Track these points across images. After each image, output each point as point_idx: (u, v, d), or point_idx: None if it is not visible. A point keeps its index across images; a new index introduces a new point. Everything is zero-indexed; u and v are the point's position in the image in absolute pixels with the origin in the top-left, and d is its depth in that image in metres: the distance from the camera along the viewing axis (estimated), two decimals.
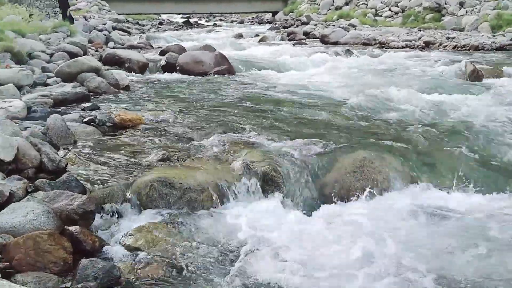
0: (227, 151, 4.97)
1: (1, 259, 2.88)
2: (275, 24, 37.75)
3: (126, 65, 12.55)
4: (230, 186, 4.14)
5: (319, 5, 36.83)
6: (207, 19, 54.54)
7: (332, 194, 4.29)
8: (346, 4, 34.33)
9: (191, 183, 4.01)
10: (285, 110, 7.29)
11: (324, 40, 21.43)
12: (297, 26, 31.79)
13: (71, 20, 19.42)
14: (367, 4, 32.45)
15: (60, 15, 27.43)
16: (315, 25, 29.61)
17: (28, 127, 5.22)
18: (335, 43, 20.39)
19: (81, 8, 31.41)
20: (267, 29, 31.68)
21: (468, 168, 4.80)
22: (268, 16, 46.88)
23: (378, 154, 4.86)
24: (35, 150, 4.16)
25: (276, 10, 44.64)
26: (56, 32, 15.48)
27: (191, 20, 49.10)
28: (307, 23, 31.42)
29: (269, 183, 4.26)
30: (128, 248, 3.21)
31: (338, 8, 34.19)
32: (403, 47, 18.53)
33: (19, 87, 7.87)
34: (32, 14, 18.42)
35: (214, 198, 4.01)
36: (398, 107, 7.09)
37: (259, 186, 4.20)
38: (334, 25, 28.05)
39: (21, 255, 2.82)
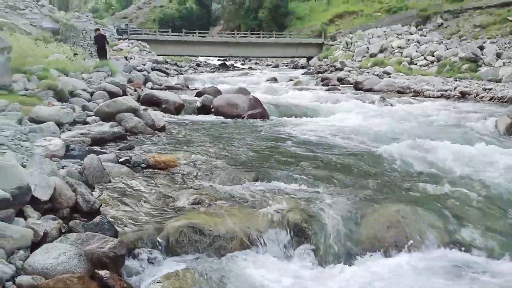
0: (258, 198, 4.96)
1: None
2: (309, 69, 38.22)
3: (163, 105, 12.88)
4: (260, 235, 4.10)
5: (353, 52, 37.22)
6: (243, 62, 55.75)
7: (365, 249, 4.18)
8: (381, 51, 34.57)
9: (221, 230, 3.99)
10: (317, 157, 7.26)
11: (358, 86, 21.49)
12: (331, 71, 32.10)
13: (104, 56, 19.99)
14: (402, 52, 32.60)
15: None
16: (349, 71, 29.82)
17: (65, 166, 5.34)
18: (369, 90, 20.42)
19: (123, 49, 32.70)
20: (301, 74, 32.10)
21: (503, 232, 4.62)
22: (303, 61, 47.60)
23: (412, 208, 4.75)
24: (71, 190, 4.25)
25: (310, 55, 45.35)
26: (98, 71, 16.07)
27: (227, 63, 50.24)
28: (341, 69, 31.70)
29: (299, 234, 4.20)
30: None
31: (372, 55, 34.44)
32: (438, 97, 18.37)
33: (60, 125, 8.14)
34: (76, 53, 19.26)
35: (243, 247, 3.97)
36: (432, 159, 6.95)
37: (289, 237, 4.14)
38: (368, 72, 28.21)
39: None
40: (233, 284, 3.55)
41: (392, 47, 34.44)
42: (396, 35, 37.74)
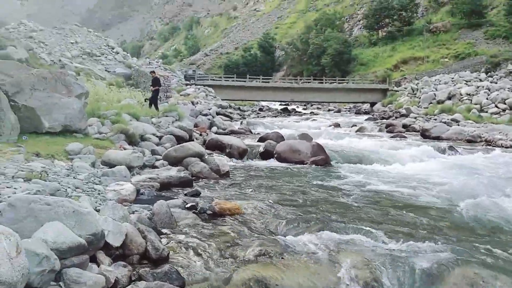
0: (325, 252, 4.82)
1: None
2: (373, 114, 37.78)
3: (227, 150, 13.11)
4: None
5: (420, 98, 36.48)
6: (305, 107, 56.12)
7: None
8: (449, 98, 33.66)
9: (287, 285, 3.90)
10: (384, 208, 7.03)
11: (424, 134, 20.89)
12: (396, 118, 31.52)
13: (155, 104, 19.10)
14: (471, 100, 31.56)
15: (169, 99, 29.77)
16: (415, 118, 29.15)
17: (136, 211, 5.50)
18: (437, 138, 19.77)
19: (190, 94, 33.98)
20: (365, 120, 31.77)
21: None
22: (366, 106, 47.21)
23: (490, 272, 4.42)
24: (141, 237, 4.34)
25: (374, 101, 44.95)
26: (167, 116, 16.70)
27: (289, 107, 50.76)
28: (406, 116, 31.07)
29: None
30: None
31: (440, 102, 33.57)
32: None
33: (130, 168, 8.47)
34: (147, 98, 20.20)
35: None
36: (507, 219, 6.52)
37: None
38: (435, 119, 27.43)
39: None
40: None
41: (461, 94, 33.45)
42: (464, 81, 36.68)
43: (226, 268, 4.24)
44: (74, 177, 6.86)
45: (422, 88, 38.66)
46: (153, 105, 18.91)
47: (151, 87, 20.15)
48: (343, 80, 52.51)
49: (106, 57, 42.91)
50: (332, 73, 60.86)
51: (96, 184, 6.80)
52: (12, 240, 2.87)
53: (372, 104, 45.03)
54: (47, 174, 6.22)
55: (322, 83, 49.29)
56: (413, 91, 39.72)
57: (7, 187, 5.13)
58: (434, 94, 35.43)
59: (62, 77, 11.70)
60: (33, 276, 2.97)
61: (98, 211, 4.79)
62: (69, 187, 5.93)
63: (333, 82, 49.44)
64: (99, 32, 60.83)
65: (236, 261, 4.44)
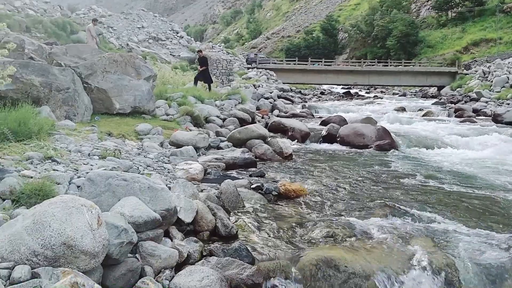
0: (394, 236, 4.71)
1: None
2: (440, 99, 36.27)
3: (289, 133, 13.08)
4: (398, 277, 3.86)
5: (491, 81, 34.58)
6: (368, 91, 54.81)
7: None
8: None
9: (356, 268, 3.84)
10: (454, 193, 6.76)
11: (497, 119, 19.79)
12: (465, 102, 30.10)
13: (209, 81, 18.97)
14: None
15: (231, 82, 30.04)
16: (486, 102, 27.69)
17: (204, 190, 5.62)
18: (510, 124, 18.67)
19: (251, 77, 34.12)
20: (432, 104, 30.59)
21: None
22: (433, 90, 45.43)
23: None
24: (211, 214, 4.44)
25: (442, 84, 43.14)
26: (230, 99, 16.89)
27: (352, 91, 49.77)
28: (477, 100, 29.58)
29: (443, 280, 3.87)
30: None
31: None
32: None
33: (196, 149, 8.66)
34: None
35: (378, 287, 3.77)
36: None
37: (431, 282, 3.84)
38: (508, 104, 25.92)
39: None
40: None
41: None
42: None
43: (294, 248, 4.24)
44: (144, 156, 7.11)
45: (494, 71, 36.55)
46: (205, 82, 18.89)
47: (199, 66, 19.62)
48: (409, 62, 50.65)
49: (171, 41, 43.92)
50: (397, 56, 58.95)
51: (166, 163, 7.01)
52: (93, 212, 3.01)
53: (440, 88, 43.24)
54: (120, 153, 6.49)
55: (386, 65, 47.87)
56: (484, 75, 37.68)
57: (84, 164, 5.39)
58: (507, 77, 33.43)
59: (131, 60, 12.10)
60: (113, 247, 3.11)
61: (169, 188, 4.93)
62: (140, 165, 6.15)
63: (399, 65, 47.87)
64: (164, 17, 62.25)
65: (304, 242, 4.43)
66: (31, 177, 4.33)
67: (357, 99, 40.75)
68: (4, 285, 2.54)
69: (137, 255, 3.42)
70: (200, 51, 21.01)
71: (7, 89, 8.23)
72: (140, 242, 3.47)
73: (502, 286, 3.88)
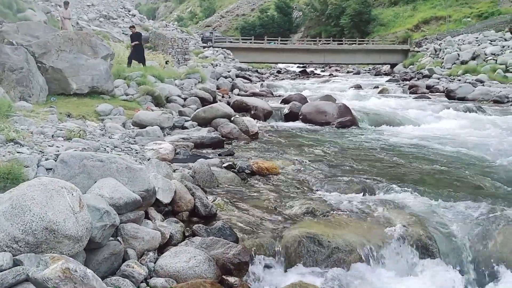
0: (370, 210, 4.78)
1: None
2: (394, 76, 37.05)
3: (252, 112, 12.99)
4: (380, 250, 3.92)
5: (443, 58, 35.63)
6: (323, 69, 55.33)
7: (497, 271, 3.83)
8: (473, 58, 32.80)
9: (339, 242, 3.86)
10: (418, 167, 6.94)
11: (449, 95, 20.45)
12: (418, 79, 30.87)
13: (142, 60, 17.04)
14: (496, 60, 30.71)
15: (188, 61, 29.51)
16: (438, 79, 28.52)
17: (176, 169, 5.48)
18: (462, 99, 19.33)
19: (208, 56, 33.63)
20: (386, 81, 31.19)
21: None
22: (386, 68, 46.35)
23: None
24: (190, 194, 4.33)
25: (395, 62, 44.06)
26: (189, 78, 16.56)
27: (308, 70, 50.06)
28: (429, 77, 30.43)
29: (423, 251, 3.95)
30: None
31: (464, 62, 32.76)
32: None
33: (161, 129, 8.44)
34: (168, 61, 20.04)
35: (363, 261, 3.81)
36: None
37: (412, 253, 3.92)
38: (459, 80, 26.81)
39: None
40: None
41: (485, 54, 32.55)
42: (489, 41, 35.62)
43: (276, 225, 4.22)
44: (109, 137, 6.86)
45: (445, 48, 37.66)
46: (139, 61, 17.06)
47: (131, 43, 17.81)
48: (363, 41, 51.37)
49: (123, 19, 42.50)
50: (351, 35, 59.57)
51: (132, 143, 6.79)
52: (74, 195, 2.85)
53: (393, 65, 44.14)
54: (85, 134, 6.23)
55: (341, 44, 48.34)
56: (436, 52, 38.75)
57: (49, 146, 5.13)
58: (458, 54, 34.53)
59: (87, 38, 11.59)
60: (95, 231, 2.96)
61: None
62: (107, 146, 5.92)
63: (353, 43, 48.44)
64: None
65: (285, 219, 4.42)
66: None
67: (313, 77, 41.03)
68: None
69: (118, 238, 3.29)
70: (132, 26, 19.10)
71: None
72: (121, 225, 3.33)
73: (476, 253, 4.00)
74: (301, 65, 52.75)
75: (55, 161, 4.20)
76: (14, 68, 9.04)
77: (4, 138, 4.96)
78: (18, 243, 2.55)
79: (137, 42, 17.29)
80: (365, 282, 3.63)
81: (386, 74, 42.19)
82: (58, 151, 4.85)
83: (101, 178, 3.61)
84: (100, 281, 2.38)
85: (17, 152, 4.56)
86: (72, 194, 2.84)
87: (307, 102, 14.88)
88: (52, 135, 5.72)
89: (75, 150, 4.42)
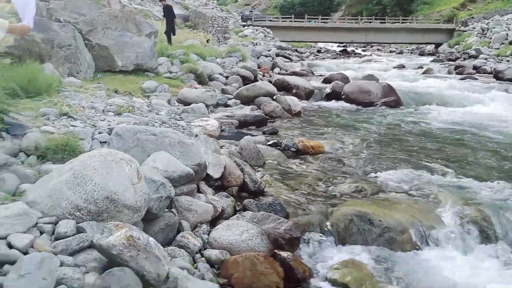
0: (419, 191, 4.68)
1: (219, 274, 2.99)
2: (438, 56, 35.89)
3: (294, 91, 12.88)
4: (431, 231, 3.84)
5: (490, 38, 34.20)
6: (364, 48, 54.16)
7: None
8: None
9: (390, 222, 3.81)
10: (468, 148, 6.76)
11: (498, 76, 19.62)
12: (464, 59, 29.78)
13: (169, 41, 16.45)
14: None
15: (228, 40, 29.44)
16: (486, 59, 27.43)
17: (223, 146, 5.51)
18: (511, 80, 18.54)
19: (248, 35, 33.45)
20: (430, 61, 30.27)
21: None
22: (430, 47, 44.91)
23: None
24: (239, 169, 4.35)
25: (439, 42, 42.61)
26: (230, 56, 16.54)
27: (348, 49, 49.14)
28: (475, 57, 29.31)
29: (479, 233, 3.85)
30: (335, 283, 3.12)
31: None
32: None
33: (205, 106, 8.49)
34: (209, 39, 20.05)
35: (413, 241, 3.74)
36: None
37: (466, 235, 3.82)
38: (508, 61, 25.73)
39: (240, 274, 2.89)
40: (407, 278, 3.36)
41: None
42: None
43: (324, 203, 4.20)
44: (156, 113, 6.96)
45: (493, 28, 36.07)
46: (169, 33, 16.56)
47: (163, 17, 17.23)
48: (406, 19, 49.84)
49: None
50: (393, 13, 57.88)
51: (178, 120, 6.87)
52: (133, 166, 2.90)
53: (437, 45, 42.69)
54: (134, 109, 6.33)
55: (384, 22, 47.06)
56: (483, 31, 37.20)
57: (101, 120, 5.25)
58: (507, 34, 33.06)
59: (132, 16, 11.71)
60: (152, 202, 3.02)
61: None
62: (156, 122, 6.00)
63: (396, 22, 47.05)
64: None
65: (333, 197, 4.39)
66: (52, 133, 4.19)
67: (354, 57, 40.27)
68: (50, 240, 2.45)
69: (173, 209, 3.34)
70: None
71: (11, 46, 7.95)
72: (176, 197, 3.38)
73: None
74: (342, 44, 51.82)
75: (109, 134, 4.30)
76: (62, 45, 9.24)
77: (58, 112, 5.09)
78: (81, 211, 2.63)
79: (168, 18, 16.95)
80: (417, 263, 3.57)
81: (430, 54, 40.92)
82: (110, 125, 4.95)
83: (154, 151, 3.66)
84: (161, 249, 2.43)
85: (71, 126, 4.69)
86: (131, 166, 2.89)
87: (349, 81, 14.63)
88: (103, 110, 5.84)
89: (127, 124, 4.50)
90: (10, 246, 2.31)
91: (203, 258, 3.06)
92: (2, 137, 3.93)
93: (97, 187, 2.65)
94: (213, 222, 3.56)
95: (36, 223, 2.52)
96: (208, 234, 3.32)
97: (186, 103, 8.44)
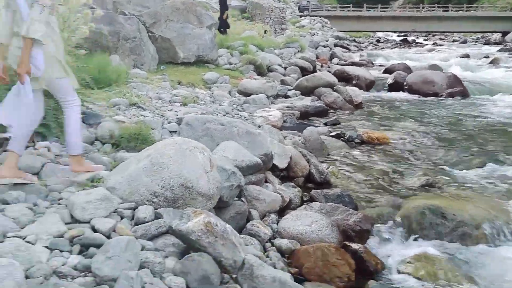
0: (493, 185, 4.48)
1: (289, 263, 2.99)
2: (505, 45, 34.07)
3: (354, 81, 12.63)
4: (507, 226, 3.66)
5: None
6: (426, 38, 52.25)
7: None
8: None
9: (465, 216, 3.66)
10: None
11: None
12: None
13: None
14: None
15: (285, 31, 29.31)
16: None
17: (286, 137, 5.51)
18: None
19: (305, 25, 33.18)
20: (497, 50, 28.80)
21: None
22: (496, 36, 42.69)
23: None
24: (305, 160, 4.33)
25: (507, 30, 40.38)
26: (288, 47, 16.48)
27: (409, 39, 47.58)
28: None
29: None
30: (408, 276, 3.03)
31: None
32: None
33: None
34: (267, 30, 20.05)
35: (488, 237, 3.58)
36: None
37: None
38: None
39: (311, 264, 2.89)
40: (482, 275, 3.23)
41: None
42: None
43: (393, 195, 4.10)
44: (219, 104, 7.04)
45: None
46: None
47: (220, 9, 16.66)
48: (471, 7, 47.62)
49: None
50: (457, 1, 55.48)
51: (240, 110, 6.92)
52: (206, 155, 2.95)
53: (504, 34, 40.48)
54: (198, 100, 6.44)
55: (447, 10, 45.21)
56: None
57: (168, 111, 5.38)
58: None
59: (193, 8, 11.88)
60: (223, 190, 3.06)
61: None
62: (219, 112, 6.08)
63: (460, 10, 45.08)
64: None
65: (402, 189, 4.28)
66: (124, 122, 4.34)
67: (415, 46, 38.97)
68: (130, 225, 2.54)
69: (242, 198, 3.37)
70: None
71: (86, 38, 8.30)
72: (245, 186, 3.41)
73: None
74: (402, 34, 50.26)
75: (177, 124, 4.40)
76: (127, 37, 9.53)
77: (127, 102, 5.27)
78: (158, 197, 2.70)
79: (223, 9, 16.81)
80: (492, 260, 3.41)
81: (496, 43, 38.93)
82: (177, 115, 5.06)
83: (222, 141, 3.70)
84: (238, 236, 2.45)
85: (141, 116, 4.84)
86: (204, 154, 2.94)
87: (412, 72, 14.18)
88: (169, 101, 5.98)
89: (196, 114, 4.59)
90: (93, 230, 2.42)
91: (274, 247, 3.07)
92: None
93: (173, 175, 2.71)
94: (281, 212, 3.57)
95: (116, 209, 2.62)
96: (277, 224, 3.33)
97: (246, 94, 8.49)
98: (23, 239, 2.22)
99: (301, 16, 40.82)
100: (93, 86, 5.74)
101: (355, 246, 3.10)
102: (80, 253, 2.22)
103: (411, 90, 12.06)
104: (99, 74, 6.04)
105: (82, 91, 5.05)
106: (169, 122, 4.59)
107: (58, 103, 3.52)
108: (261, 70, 11.89)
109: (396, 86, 12.56)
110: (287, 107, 7.94)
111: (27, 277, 1.89)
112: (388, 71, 15.28)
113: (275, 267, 2.76)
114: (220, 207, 3.10)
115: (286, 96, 9.46)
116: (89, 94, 5.50)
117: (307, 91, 9.70)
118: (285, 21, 32.87)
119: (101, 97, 5.48)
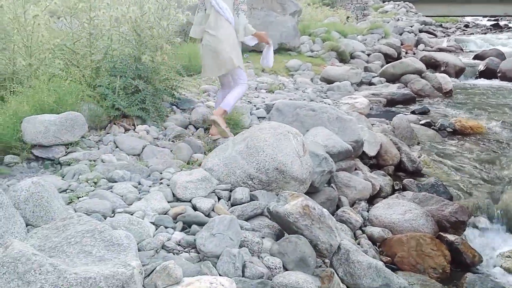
0: None
1: (381, 251, 2.96)
2: None
3: (442, 68, 12.05)
4: None
5: None
6: None
7: None
8: None
9: None
10: None
11: None
12: None
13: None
14: None
15: (367, 17, 28.50)
16: None
17: (373, 124, 5.40)
18: None
19: (388, 11, 32.05)
20: None
21: None
22: None
23: None
24: (395, 148, 4.23)
25: None
26: (372, 33, 16.04)
27: (501, 23, 44.39)
28: None
29: None
30: (507, 271, 2.90)
31: None
32: None
33: None
34: (349, 17, 19.62)
35: None
36: None
37: None
38: None
39: (404, 253, 2.84)
40: None
41: None
42: None
43: (490, 186, 3.90)
44: (303, 91, 7.04)
45: None
46: None
47: None
48: None
49: None
50: None
51: (324, 98, 6.88)
52: (299, 139, 2.98)
53: None
54: (284, 86, 6.48)
55: None
56: None
57: (255, 97, 5.47)
58: None
59: None
60: (315, 175, 3.07)
61: None
62: (304, 99, 6.08)
63: None
64: None
65: (500, 180, 4.05)
66: (215, 108, 4.47)
67: (508, 31, 36.29)
68: (228, 206, 2.64)
69: (332, 185, 3.37)
70: None
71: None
72: (335, 172, 3.40)
73: None
74: (493, 18, 46.99)
75: (265, 110, 4.47)
76: None
77: (216, 89, 5.42)
78: (253, 180, 2.78)
79: None
80: None
81: None
82: (264, 101, 5.14)
83: (312, 127, 3.71)
84: (334, 221, 2.47)
85: None
86: (297, 139, 2.97)
87: (506, 58, 13.27)
88: (256, 88, 6.08)
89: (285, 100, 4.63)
90: (194, 208, 2.53)
91: (364, 235, 3.05)
92: (173, 111, 4.31)
93: (267, 158, 2.77)
94: (370, 200, 3.53)
95: (214, 189, 2.73)
96: (367, 212, 3.29)
97: (329, 81, 8.40)
98: (131, 214, 2.38)
99: (384, 1, 39.45)
100: (184, 73, 5.97)
101: (451, 237, 3.00)
102: (182, 229, 2.35)
103: (505, 78, 11.29)
104: (189, 61, 6.25)
105: (176, 78, 5.29)
106: (257, 108, 4.67)
107: (156, 90, 3.76)
108: (343, 57, 11.70)
109: (488, 73, 11.83)
110: (373, 94, 7.76)
111: (139, 250, 2.03)
112: (478, 57, 14.46)
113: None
114: (310, 192, 3.12)
115: (371, 83, 9.24)
116: (181, 81, 5.72)
117: (393, 78, 9.40)
118: (367, 6, 31.98)
119: (192, 84, 5.68)
